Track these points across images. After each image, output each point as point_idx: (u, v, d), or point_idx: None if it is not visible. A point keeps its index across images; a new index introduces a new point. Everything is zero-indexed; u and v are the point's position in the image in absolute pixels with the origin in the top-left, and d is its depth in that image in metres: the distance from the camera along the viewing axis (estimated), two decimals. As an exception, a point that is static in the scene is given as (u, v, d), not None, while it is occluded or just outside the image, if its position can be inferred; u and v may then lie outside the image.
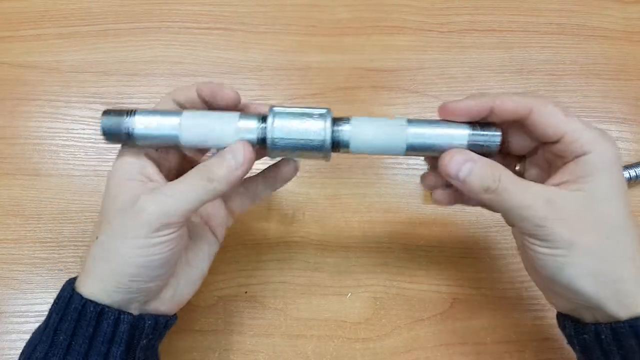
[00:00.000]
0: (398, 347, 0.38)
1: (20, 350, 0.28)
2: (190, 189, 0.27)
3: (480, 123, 0.29)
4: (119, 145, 0.30)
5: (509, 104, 0.28)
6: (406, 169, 0.43)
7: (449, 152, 0.28)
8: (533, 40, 0.47)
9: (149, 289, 0.28)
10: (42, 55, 0.46)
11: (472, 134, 0.28)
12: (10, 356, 0.37)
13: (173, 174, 0.31)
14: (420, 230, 0.41)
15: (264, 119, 0.29)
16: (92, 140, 0.43)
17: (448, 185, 0.32)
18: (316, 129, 0.28)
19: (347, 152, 0.29)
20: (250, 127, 0.28)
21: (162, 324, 0.30)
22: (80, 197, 0.41)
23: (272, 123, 0.28)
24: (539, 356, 0.38)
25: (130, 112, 0.28)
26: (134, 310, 0.28)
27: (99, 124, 0.29)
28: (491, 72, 0.46)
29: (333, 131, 0.28)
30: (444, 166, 0.28)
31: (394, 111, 0.45)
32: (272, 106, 0.29)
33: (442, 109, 0.29)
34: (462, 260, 0.40)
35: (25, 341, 0.29)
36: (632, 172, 0.41)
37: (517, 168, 0.32)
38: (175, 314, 0.31)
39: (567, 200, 0.27)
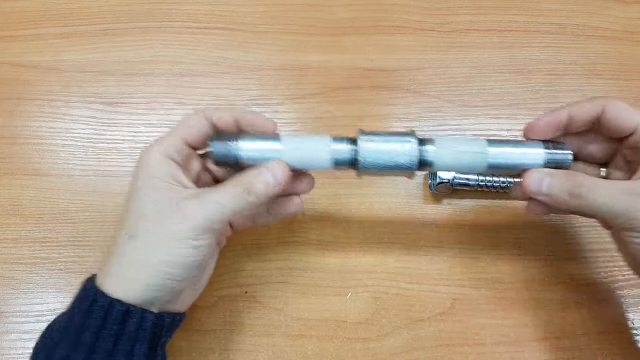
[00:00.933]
0: (398, 347, 0.38)
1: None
2: (231, 198, 0.29)
3: (552, 141, 0.32)
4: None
5: (584, 107, 0.31)
6: (406, 169, 0.43)
7: (527, 174, 0.31)
8: (533, 40, 0.47)
9: (179, 289, 0.30)
10: (42, 55, 0.46)
11: (548, 152, 0.31)
12: (10, 356, 0.37)
13: (194, 180, 0.32)
14: (420, 230, 0.41)
15: (353, 141, 0.31)
16: (92, 140, 0.43)
17: None
18: (404, 150, 0.31)
19: (431, 170, 0.32)
20: (342, 149, 0.31)
21: (177, 322, 0.31)
22: (80, 197, 0.41)
23: (363, 145, 0.31)
24: (539, 356, 0.38)
25: (234, 138, 0.31)
26: (154, 309, 0.29)
27: (211, 151, 0.31)
28: (491, 72, 0.46)
29: (420, 152, 0.31)
30: (526, 187, 0.31)
31: (394, 111, 0.44)
32: (360, 130, 0.32)
33: (527, 129, 0.32)
34: (462, 260, 0.40)
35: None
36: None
37: (601, 175, 0.35)
38: (184, 312, 0.32)
39: None
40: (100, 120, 0.44)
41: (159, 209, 0.28)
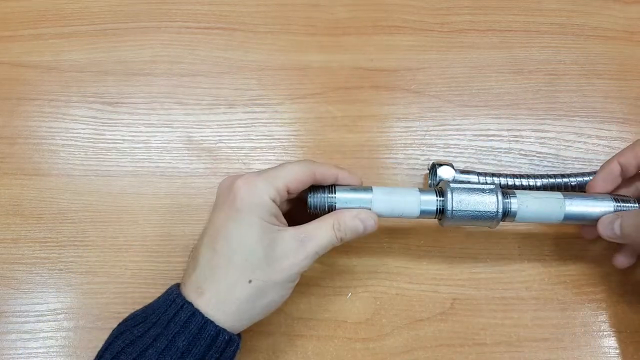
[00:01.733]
0: (398, 347, 0.38)
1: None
2: (327, 244, 0.32)
3: (621, 196, 0.35)
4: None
5: (628, 154, 0.35)
6: (406, 168, 0.43)
7: (600, 221, 0.34)
8: (533, 40, 0.47)
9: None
10: (42, 55, 0.46)
11: (616, 206, 0.35)
12: (10, 356, 0.37)
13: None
14: (420, 230, 0.41)
15: (440, 193, 0.34)
16: (92, 140, 0.43)
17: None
18: (489, 202, 0.33)
19: (512, 221, 0.35)
20: (431, 200, 0.34)
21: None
22: (80, 197, 0.41)
23: (451, 198, 0.33)
24: (539, 356, 0.38)
25: (332, 189, 0.34)
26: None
27: (308, 201, 0.34)
28: (491, 72, 0.46)
29: (504, 204, 0.34)
30: (601, 234, 0.34)
31: (394, 111, 0.44)
32: (447, 181, 0.35)
33: (589, 187, 0.36)
34: (462, 260, 0.40)
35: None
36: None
37: None
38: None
39: None
40: (100, 120, 0.44)
41: (271, 254, 0.31)
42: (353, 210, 0.33)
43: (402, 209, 0.34)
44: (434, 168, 0.40)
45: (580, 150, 0.43)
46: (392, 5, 0.48)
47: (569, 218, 0.35)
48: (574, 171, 0.41)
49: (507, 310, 0.39)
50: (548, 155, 0.43)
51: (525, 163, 0.43)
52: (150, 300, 0.32)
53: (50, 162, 0.42)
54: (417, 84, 0.46)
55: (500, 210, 0.34)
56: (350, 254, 0.40)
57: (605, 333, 0.38)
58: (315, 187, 0.34)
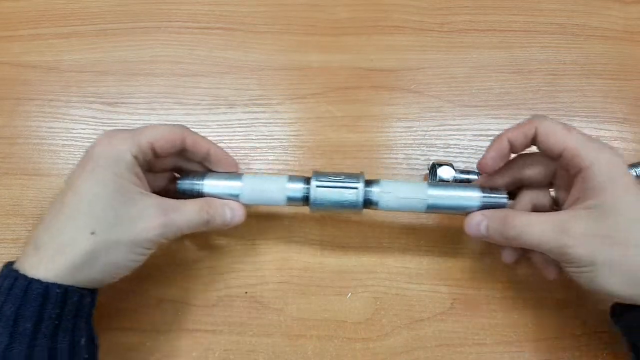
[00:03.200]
0: (398, 347, 0.38)
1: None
2: (191, 225, 0.32)
3: (490, 187, 0.34)
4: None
5: (519, 130, 0.32)
6: (406, 168, 0.43)
7: (467, 218, 0.34)
8: (533, 40, 0.47)
9: (114, 281, 0.31)
10: (42, 55, 0.46)
11: (483, 196, 0.34)
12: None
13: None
14: (420, 230, 0.41)
15: (307, 181, 0.35)
16: (92, 140, 0.42)
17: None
18: (352, 191, 0.34)
19: (376, 209, 0.35)
20: (296, 189, 0.35)
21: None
22: (80, 197, 0.41)
23: (315, 186, 0.34)
24: (539, 356, 0.38)
25: (201, 177, 0.35)
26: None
27: (177, 186, 0.35)
28: (491, 72, 0.46)
29: (365, 192, 0.34)
30: (467, 231, 0.34)
31: (394, 111, 0.44)
32: (314, 171, 0.35)
33: (480, 167, 0.34)
34: (462, 260, 0.40)
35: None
36: (634, 172, 0.41)
37: (552, 194, 0.35)
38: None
39: (578, 223, 0.29)
40: (100, 120, 0.44)
41: (125, 213, 0.29)
42: (224, 200, 0.34)
43: (269, 197, 0.35)
44: (434, 168, 0.40)
45: (580, 150, 0.43)
46: (392, 5, 0.48)
47: (433, 207, 0.34)
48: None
49: (507, 310, 0.39)
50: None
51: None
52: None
53: (50, 162, 0.42)
54: (417, 84, 0.46)
55: (361, 199, 0.34)
56: (350, 254, 0.40)
57: (605, 333, 0.38)
58: (187, 173, 0.35)
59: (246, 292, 0.39)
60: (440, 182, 0.35)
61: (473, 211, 0.34)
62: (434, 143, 0.44)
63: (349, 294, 0.39)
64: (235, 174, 0.36)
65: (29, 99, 0.44)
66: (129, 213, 0.30)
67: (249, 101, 0.45)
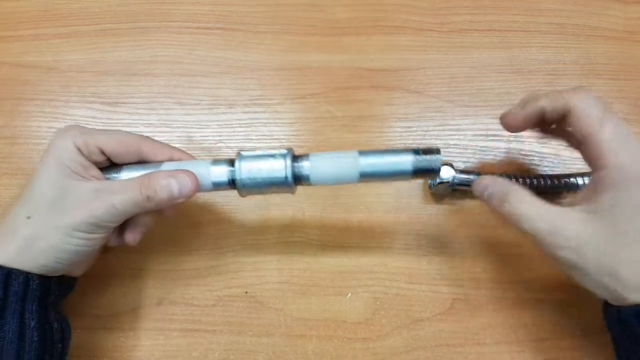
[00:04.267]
0: (398, 347, 0.38)
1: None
2: (131, 205, 0.31)
3: (423, 149, 0.32)
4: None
5: (551, 104, 0.32)
6: (406, 169, 0.43)
7: (479, 178, 0.34)
8: (533, 40, 0.47)
9: (67, 270, 0.32)
10: (41, 55, 0.46)
11: (416, 159, 0.32)
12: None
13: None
14: (420, 230, 0.41)
15: (232, 163, 0.32)
16: (91, 140, 0.43)
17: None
18: (279, 167, 0.32)
19: (309, 184, 0.33)
20: (221, 172, 0.33)
21: (67, 286, 0.34)
22: (80, 197, 0.41)
23: (240, 167, 0.32)
24: (539, 356, 0.38)
25: (118, 170, 0.33)
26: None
27: None
28: (491, 72, 0.46)
29: (294, 167, 0.32)
30: (473, 187, 0.34)
31: (394, 111, 0.44)
32: (239, 151, 0.33)
33: (506, 121, 0.34)
34: (462, 260, 0.40)
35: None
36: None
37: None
38: (76, 278, 0.35)
39: (572, 227, 0.29)
40: (100, 120, 0.44)
41: (61, 197, 0.30)
42: (171, 170, 0.32)
43: None
44: (433, 168, 0.40)
45: (580, 150, 0.43)
46: (392, 5, 0.48)
47: (366, 175, 0.32)
48: (574, 171, 0.41)
49: (507, 310, 0.39)
50: (548, 155, 0.43)
51: (525, 163, 0.43)
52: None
53: (50, 162, 0.42)
54: (417, 84, 0.46)
55: (290, 175, 0.32)
56: (350, 254, 0.40)
57: (605, 333, 0.38)
58: (106, 167, 0.34)
59: (246, 292, 0.39)
60: (371, 150, 0.33)
61: (407, 177, 0.32)
62: (434, 143, 0.44)
63: (349, 294, 0.39)
64: (154, 164, 0.33)
65: (29, 99, 0.45)
66: (64, 198, 0.30)
67: (249, 101, 0.45)
